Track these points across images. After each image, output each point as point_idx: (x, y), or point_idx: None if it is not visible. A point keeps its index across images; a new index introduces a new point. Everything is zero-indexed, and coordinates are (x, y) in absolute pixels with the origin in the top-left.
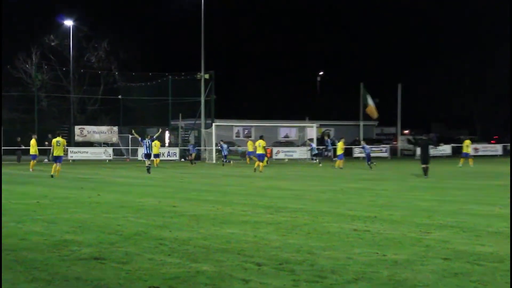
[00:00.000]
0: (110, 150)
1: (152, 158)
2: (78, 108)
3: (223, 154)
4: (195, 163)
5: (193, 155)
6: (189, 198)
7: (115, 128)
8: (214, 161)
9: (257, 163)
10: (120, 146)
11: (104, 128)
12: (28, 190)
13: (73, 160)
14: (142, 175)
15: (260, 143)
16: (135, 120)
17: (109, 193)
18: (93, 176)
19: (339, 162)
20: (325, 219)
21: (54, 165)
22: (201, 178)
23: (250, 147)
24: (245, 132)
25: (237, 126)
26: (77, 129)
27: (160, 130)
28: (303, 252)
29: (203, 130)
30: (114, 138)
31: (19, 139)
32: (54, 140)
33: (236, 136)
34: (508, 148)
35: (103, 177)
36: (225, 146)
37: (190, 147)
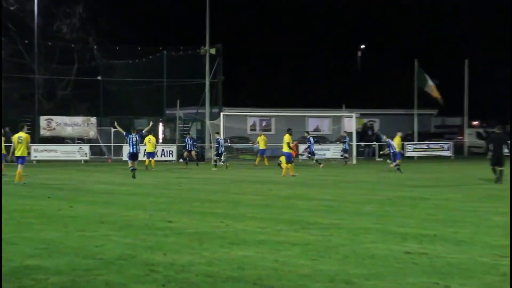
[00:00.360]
0: (86, 148)
1: (141, 158)
2: (44, 93)
3: (218, 152)
4: (197, 164)
5: (193, 153)
6: (190, 211)
7: (93, 120)
8: (222, 162)
9: (284, 166)
10: (99, 143)
11: (78, 119)
12: None
13: (38, 161)
14: (128, 180)
15: (285, 138)
16: (120, 108)
17: (85, 205)
18: (65, 182)
19: (397, 163)
20: (367, 238)
21: (19, 169)
22: (204, 184)
23: (262, 144)
24: (263, 124)
25: (253, 116)
26: (43, 120)
27: (151, 123)
28: (339, 281)
29: (208, 122)
30: (92, 133)
31: None
32: (15, 136)
33: (251, 130)
34: None
35: (77, 183)
36: (222, 141)
37: (187, 140)
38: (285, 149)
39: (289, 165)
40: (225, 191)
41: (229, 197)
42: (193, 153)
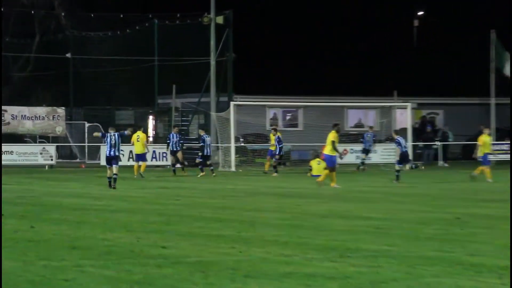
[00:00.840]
0: (52, 148)
1: (125, 163)
2: None
3: (204, 154)
4: (183, 168)
5: (179, 154)
6: (190, 233)
7: (61, 111)
8: (233, 168)
9: (325, 172)
10: (69, 142)
11: (41, 111)
12: None
13: None
14: (108, 192)
15: (330, 136)
16: (96, 96)
17: (51, 224)
18: (23, 193)
19: (485, 170)
20: (428, 271)
21: None
22: (210, 197)
23: (272, 142)
24: (287, 117)
25: (274, 107)
26: None
27: (129, 130)
28: None
29: (214, 114)
30: (59, 128)
31: None
32: None
33: (271, 125)
34: None
35: (40, 195)
36: (208, 140)
37: (172, 137)
38: (328, 150)
39: (331, 172)
40: (237, 207)
41: (243, 215)
42: (180, 154)
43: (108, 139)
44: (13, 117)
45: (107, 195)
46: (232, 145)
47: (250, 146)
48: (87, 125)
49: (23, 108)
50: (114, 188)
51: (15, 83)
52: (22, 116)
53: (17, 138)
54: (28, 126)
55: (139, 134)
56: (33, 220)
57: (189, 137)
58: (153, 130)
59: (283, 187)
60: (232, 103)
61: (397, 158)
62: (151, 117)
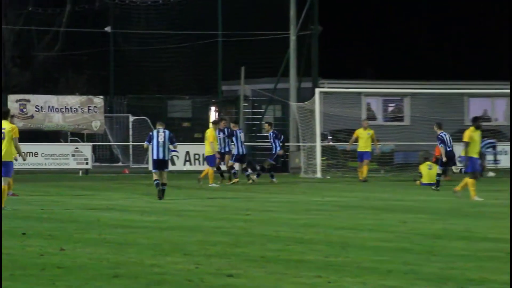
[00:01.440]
0: (87, 149)
1: (168, 167)
2: (14, 57)
3: (239, 153)
4: (221, 174)
5: (227, 157)
6: (264, 257)
7: (99, 101)
8: (318, 174)
9: (468, 182)
10: (109, 141)
11: (74, 101)
12: None
13: None
14: (158, 205)
15: (467, 134)
16: (143, 82)
17: (86, 246)
18: (51, 207)
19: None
20: None
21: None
22: (289, 211)
23: (362, 143)
24: (389, 108)
25: (371, 95)
26: (12, 102)
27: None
28: None
29: (294, 105)
30: (97, 123)
31: None
32: None
33: (369, 117)
34: None
35: (73, 209)
36: (241, 135)
37: (219, 133)
38: (471, 151)
39: (472, 179)
40: (324, 224)
41: (332, 235)
42: (227, 157)
43: (155, 138)
44: (38, 108)
45: (158, 209)
46: (318, 144)
47: (340, 145)
48: (131, 118)
49: (50, 97)
50: (161, 199)
51: (40, 66)
52: (50, 108)
53: (43, 136)
54: (57, 120)
55: (209, 132)
56: (64, 240)
57: (261, 133)
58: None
59: (384, 199)
60: (317, 90)
61: (442, 159)
62: (213, 108)
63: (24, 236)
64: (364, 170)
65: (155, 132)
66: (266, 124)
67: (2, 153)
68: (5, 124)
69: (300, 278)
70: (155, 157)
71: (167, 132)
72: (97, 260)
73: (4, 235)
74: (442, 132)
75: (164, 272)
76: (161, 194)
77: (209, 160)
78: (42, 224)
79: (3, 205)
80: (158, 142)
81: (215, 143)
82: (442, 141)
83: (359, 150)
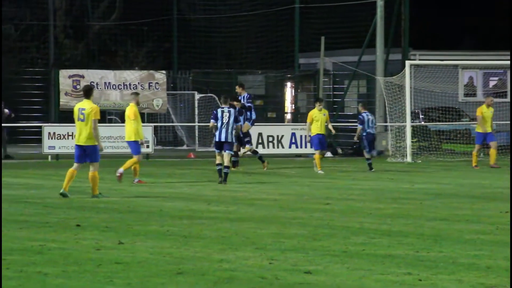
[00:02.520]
0: (147, 131)
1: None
2: (65, 26)
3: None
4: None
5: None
6: (346, 252)
7: (161, 76)
8: (408, 158)
9: None
10: (173, 122)
11: (133, 76)
12: None
13: (56, 156)
14: (226, 192)
15: None
16: (210, 55)
17: (147, 239)
18: (108, 195)
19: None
20: None
21: (71, 170)
22: (373, 200)
23: (483, 123)
24: (491, 83)
25: (471, 67)
26: (64, 77)
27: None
28: None
29: (381, 79)
30: (159, 101)
31: None
32: (76, 108)
33: (467, 94)
34: None
35: (132, 198)
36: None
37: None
38: None
39: None
40: (414, 215)
41: (423, 226)
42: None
43: (220, 118)
44: (93, 84)
45: (227, 197)
46: (408, 124)
47: (434, 126)
48: (197, 96)
49: (106, 72)
50: (221, 183)
51: (95, 37)
52: (106, 84)
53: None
54: (114, 98)
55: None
56: (122, 233)
57: (344, 112)
58: (291, 103)
59: (482, 186)
60: (408, 62)
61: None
62: (289, 84)
63: (78, 228)
64: (492, 155)
65: (219, 110)
66: (361, 105)
67: (82, 136)
68: (86, 103)
69: (387, 275)
70: (216, 139)
71: (232, 111)
72: (159, 255)
73: (57, 227)
74: (364, 112)
75: (234, 268)
76: (222, 179)
77: (313, 142)
78: (98, 215)
79: (95, 192)
80: (222, 123)
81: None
82: (362, 122)
83: (479, 131)
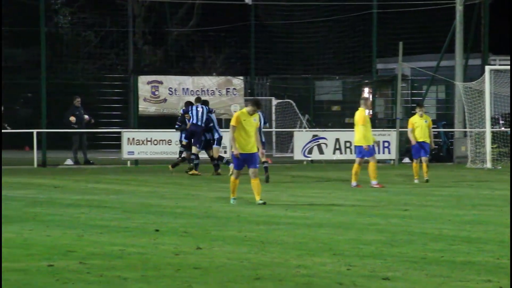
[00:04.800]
0: (224, 136)
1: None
2: (145, 33)
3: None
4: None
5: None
6: (424, 258)
7: (238, 83)
8: (488, 164)
9: None
10: None
11: (210, 83)
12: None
13: (135, 162)
14: (303, 197)
15: None
16: (288, 60)
17: (225, 244)
18: (186, 200)
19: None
20: None
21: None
22: (452, 206)
23: None
24: None
25: None
26: (143, 84)
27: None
28: None
29: (460, 85)
30: (236, 107)
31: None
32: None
33: None
34: None
35: (209, 203)
36: (213, 118)
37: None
38: None
39: None
40: (494, 222)
41: (504, 233)
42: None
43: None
44: (171, 91)
45: (304, 203)
46: (488, 130)
47: None
48: (274, 102)
49: (185, 78)
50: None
51: (173, 43)
52: (184, 90)
53: (175, 121)
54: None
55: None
56: (200, 238)
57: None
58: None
59: None
60: (487, 67)
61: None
62: (366, 89)
63: (157, 233)
64: None
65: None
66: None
67: (249, 146)
68: (256, 115)
69: (466, 282)
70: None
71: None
72: (237, 260)
73: (135, 232)
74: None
75: (312, 274)
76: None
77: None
78: (176, 220)
79: (258, 199)
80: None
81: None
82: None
83: None
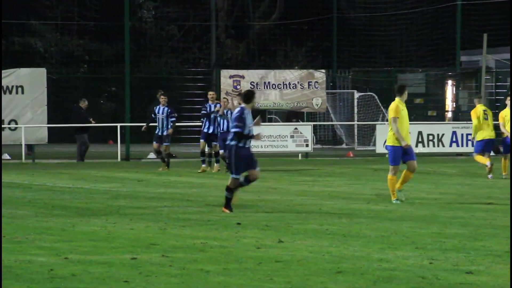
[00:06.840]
0: (307, 130)
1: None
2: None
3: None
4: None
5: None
6: (508, 252)
7: (320, 76)
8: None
9: None
10: (332, 121)
11: (292, 76)
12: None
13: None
14: (386, 191)
15: None
16: (370, 53)
17: (306, 237)
18: (266, 193)
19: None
20: None
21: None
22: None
23: None
24: None
25: None
26: (225, 77)
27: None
28: None
29: None
30: (318, 101)
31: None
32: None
33: None
34: None
35: (291, 196)
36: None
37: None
38: None
39: None
40: None
41: None
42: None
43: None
44: (253, 85)
45: (386, 196)
46: None
47: None
48: (357, 95)
49: (267, 72)
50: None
51: (255, 37)
52: (265, 84)
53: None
54: (273, 97)
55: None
56: (282, 231)
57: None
58: (452, 101)
59: None
60: None
61: None
62: (449, 82)
63: (239, 227)
64: None
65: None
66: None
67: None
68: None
69: None
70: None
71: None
72: (318, 254)
73: (218, 226)
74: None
75: (394, 268)
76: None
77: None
78: (258, 214)
79: (393, 198)
80: None
81: None
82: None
83: None
